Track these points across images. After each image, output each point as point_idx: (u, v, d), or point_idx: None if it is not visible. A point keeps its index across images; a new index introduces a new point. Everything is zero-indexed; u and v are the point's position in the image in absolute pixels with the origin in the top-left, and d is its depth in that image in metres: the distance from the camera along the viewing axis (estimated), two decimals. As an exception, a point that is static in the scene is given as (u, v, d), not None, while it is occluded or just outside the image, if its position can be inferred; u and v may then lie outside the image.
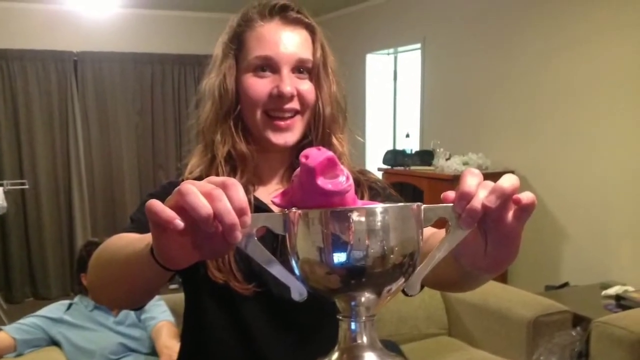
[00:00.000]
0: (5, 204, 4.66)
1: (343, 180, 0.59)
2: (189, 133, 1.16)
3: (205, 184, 0.57)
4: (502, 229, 0.61)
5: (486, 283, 0.78)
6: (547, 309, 2.66)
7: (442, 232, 0.67)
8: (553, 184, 3.77)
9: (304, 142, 1.07)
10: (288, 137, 1.05)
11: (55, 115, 5.51)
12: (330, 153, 0.59)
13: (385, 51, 5.48)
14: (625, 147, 3.36)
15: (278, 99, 1.02)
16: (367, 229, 0.55)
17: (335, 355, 0.60)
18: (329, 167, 0.59)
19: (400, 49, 5.37)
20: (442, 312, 3.02)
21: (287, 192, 0.65)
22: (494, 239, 0.63)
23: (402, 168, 4.37)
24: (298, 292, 0.61)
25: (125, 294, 0.86)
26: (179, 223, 0.55)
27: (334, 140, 1.10)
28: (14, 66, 5.32)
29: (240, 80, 1.05)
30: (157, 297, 2.40)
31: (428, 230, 0.70)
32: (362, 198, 1.05)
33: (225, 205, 0.55)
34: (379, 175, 3.90)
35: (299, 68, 1.05)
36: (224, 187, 0.56)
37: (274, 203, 0.66)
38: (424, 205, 0.61)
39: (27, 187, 5.19)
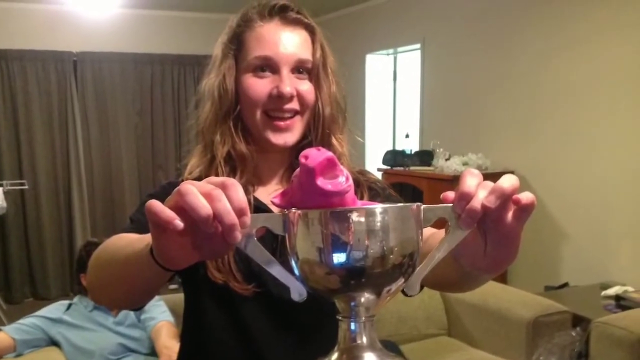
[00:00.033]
0: (4, 204, 4.66)
1: (343, 180, 0.59)
2: (189, 133, 1.16)
3: (204, 184, 0.57)
4: (501, 229, 0.61)
5: (486, 283, 0.78)
6: (547, 309, 2.66)
7: (442, 232, 0.67)
8: (553, 184, 3.77)
9: (304, 142, 1.07)
10: (288, 138, 1.05)
11: (55, 115, 5.51)
12: (329, 153, 0.59)
13: (385, 51, 5.48)
14: (625, 147, 3.36)
15: (278, 99, 1.02)
16: (366, 230, 0.55)
17: (335, 355, 0.60)
18: (329, 167, 0.59)
19: (399, 49, 5.37)
20: (442, 312, 3.02)
21: (286, 193, 0.65)
22: (494, 239, 0.63)
23: (401, 168, 4.37)
24: (298, 292, 0.61)
25: (125, 294, 0.86)
26: (179, 223, 0.55)
27: (334, 141, 1.09)
28: (14, 66, 5.32)
29: (240, 81, 1.05)
30: (156, 297, 2.40)
31: (428, 231, 0.70)
32: (361, 198, 1.05)
33: (224, 206, 0.55)
34: (379, 175, 3.90)
35: (299, 68, 1.05)
36: (223, 187, 0.56)
37: (273, 203, 0.66)
38: (424, 206, 0.61)
39: (26, 187, 5.18)
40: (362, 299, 0.59)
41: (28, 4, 5.24)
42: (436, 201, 0.61)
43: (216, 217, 0.54)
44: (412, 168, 4.32)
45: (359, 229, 0.55)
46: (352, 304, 0.59)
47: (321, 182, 0.58)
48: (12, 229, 5.39)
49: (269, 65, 1.03)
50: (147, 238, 0.67)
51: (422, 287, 0.72)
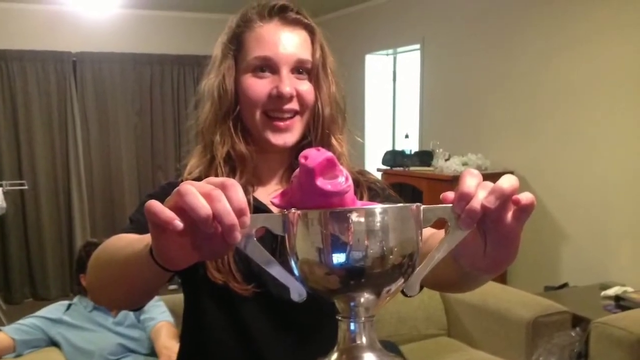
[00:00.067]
0: (4, 205, 4.66)
1: (342, 180, 0.59)
2: (188, 134, 1.16)
3: (204, 184, 0.57)
4: (501, 229, 0.61)
5: (485, 283, 0.78)
6: (547, 310, 2.66)
7: (442, 232, 0.67)
8: (552, 185, 3.77)
9: (303, 142, 1.07)
10: (287, 138, 1.05)
11: (55, 115, 5.51)
12: (329, 154, 0.59)
13: (385, 52, 5.48)
14: (625, 147, 3.36)
15: (277, 99, 1.02)
16: (366, 230, 0.55)
17: (335, 355, 0.60)
18: (328, 167, 0.59)
19: (399, 49, 5.37)
20: (442, 312, 3.02)
21: (286, 193, 0.65)
22: (493, 239, 0.63)
23: (401, 169, 4.37)
24: (297, 292, 0.61)
25: (125, 294, 0.86)
26: (178, 224, 0.55)
27: (333, 141, 1.09)
28: (13, 67, 5.32)
29: (240, 81, 1.05)
30: (156, 297, 2.40)
31: (427, 231, 0.70)
32: (361, 199, 1.05)
33: (224, 206, 0.55)
34: (378, 175, 3.89)
35: (298, 69, 1.05)
36: (223, 187, 0.56)
37: (273, 204, 0.66)
38: (423, 206, 0.61)
39: (26, 187, 5.18)
40: (362, 299, 0.59)
41: (27, 4, 5.23)
42: (436, 201, 0.61)
43: (216, 217, 0.54)
44: (411, 168, 4.32)
45: (358, 229, 0.55)
46: (352, 304, 0.59)
47: (321, 182, 0.58)
48: (12, 229, 5.39)
49: (268, 66, 1.03)
50: (146, 238, 0.67)
51: (421, 288, 0.72)
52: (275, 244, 0.93)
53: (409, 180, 4.26)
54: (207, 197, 0.55)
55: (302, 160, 0.59)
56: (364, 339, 0.60)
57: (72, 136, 5.57)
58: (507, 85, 4.11)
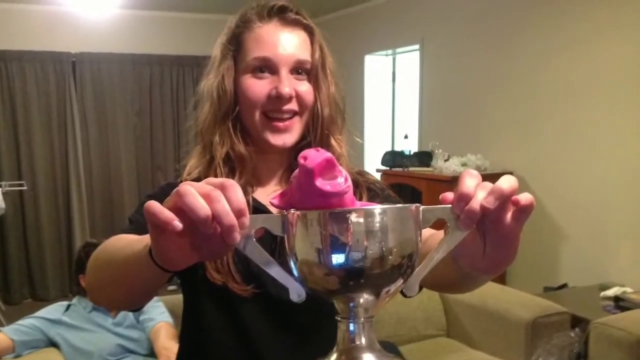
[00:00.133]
0: (3, 205, 4.65)
1: (342, 181, 0.59)
2: (188, 134, 1.16)
3: (203, 185, 0.57)
4: (500, 230, 0.61)
5: (485, 284, 0.78)
6: (546, 310, 2.66)
7: (441, 233, 0.67)
8: (552, 185, 3.78)
9: (303, 143, 1.07)
10: (286, 138, 1.05)
11: (54, 116, 5.51)
12: (328, 154, 0.59)
13: (384, 52, 5.49)
14: (625, 148, 3.36)
15: (276, 100, 1.02)
16: (365, 230, 0.55)
17: (334, 356, 0.60)
18: (328, 168, 0.59)
19: (398, 50, 5.37)
20: (441, 313, 3.02)
21: (285, 193, 0.65)
22: (493, 240, 0.63)
23: (400, 169, 4.37)
24: (296, 293, 0.61)
25: (124, 295, 0.86)
26: (178, 224, 0.55)
27: (333, 142, 1.09)
28: (13, 67, 5.32)
29: (239, 82, 1.05)
30: (155, 298, 2.40)
31: (427, 232, 0.70)
32: (360, 199, 1.05)
33: (223, 207, 0.55)
34: (378, 176, 3.90)
35: (298, 69, 1.04)
36: (222, 188, 0.56)
37: (272, 204, 0.66)
38: (423, 207, 0.61)
39: (25, 188, 5.18)
40: (361, 300, 0.59)
41: (27, 4, 5.23)
42: (435, 202, 0.62)
43: (215, 218, 0.54)
44: (411, 169, 4.32)
45: (357, 230, 0.55)
46: (351, 304, 0.59)
47: (320, 183, 0.58)
48: (11, 230, 5.39)
49: (267, 66, 1.03)
50: (146, 239, 0.67)
51: (421, 288, 0.72)
52: (274, 244, 0.93)
53: (408, 180, 4.26)
54: (207, 197, 0.55)
55: (301, 161, 0.59)
56: (363, 340, 0.60)
57: (72, 137, 5.56)
58: (507, 85, 4.12)
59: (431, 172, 4.15)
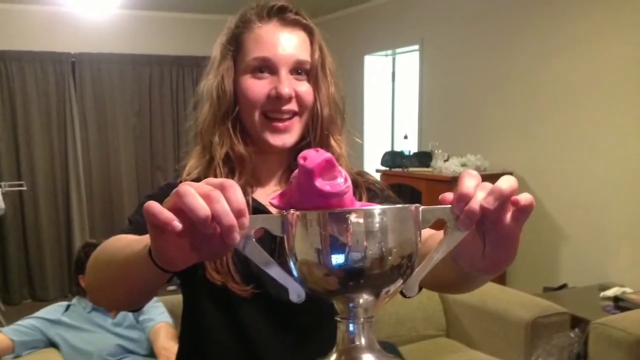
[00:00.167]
0: (3, 206, 4.65)
1: (341, 181, 0.59)
2: (187, 134, 1.16)
3: (203, 185, 0.57)
4: (500, 230, 0.61)
5: (484, 284, 0.78)
6: (546, 311, 2.66)
7: (441, 233, 0.68)
8: (552, 185, 3.78)
9: (302, 143, 1.07)
10: (286, 139, 1.05)
11: (53, 116, 5.51)
12: (328, 154, 0.59)
13: (384, 52, 5.49)
14: (624, 148, 3.36)
15: (276, 100, 1.02)
16: (365, 231, 0.55)
17: (334, 356, 0.60)
18: (327, 168, 0.59)
19: (398, 50, 5.37)
20: (440, 313, 3.02)
21: (285, 194, 0.64)
22: (492, 240, 0.63)
23: (400, 169, 4.37)
24: (296, 293, 0.61)
25: (123, 295, 0.86)
26: (177, 224, 0.55)
27: (332, 142, 1.09)
28: (12, 67, 5.32)
29: (239, 82, 1.05)
30: (155, 298, 2.40)
31: (426, 232, 0.70)
32: (360, 199, 1.05)
33: (223, 207, 0.55)
34: (377, 176, 3.90)
35: (297, 69, 1.04)
36: (222, 188, 0.56)
37: (272, 204, 0.66)
38: (422, 207, 0.61)
39: (24, 188, 5.18)
40: (361, 300, 0.59)
41: (26, 5, 5.23)
42: (435, 202, 0.62)
43: (215, 218, 0.54)
44: (410, 169, 4.32)
45: (357, 230, 0.55)
46: (351, 305, 0.59)
47: (320, 183, 0.58)
48: (11, 230, 5.38)
49: (267, 67, 1.03)
50: (145, 239, 0.67)
51: (420, 288, 0.72)
52: (274, 244, 0.93)
53: (408, 181, 4.26)
54: (206, 198, 0.55)
55: (301, 161, 0.59)
56: (362, 340, 0.60)
57: (71, 137, 5.56)
58: (506, 86, 4.12)
59: (431, 173, 4.15)
